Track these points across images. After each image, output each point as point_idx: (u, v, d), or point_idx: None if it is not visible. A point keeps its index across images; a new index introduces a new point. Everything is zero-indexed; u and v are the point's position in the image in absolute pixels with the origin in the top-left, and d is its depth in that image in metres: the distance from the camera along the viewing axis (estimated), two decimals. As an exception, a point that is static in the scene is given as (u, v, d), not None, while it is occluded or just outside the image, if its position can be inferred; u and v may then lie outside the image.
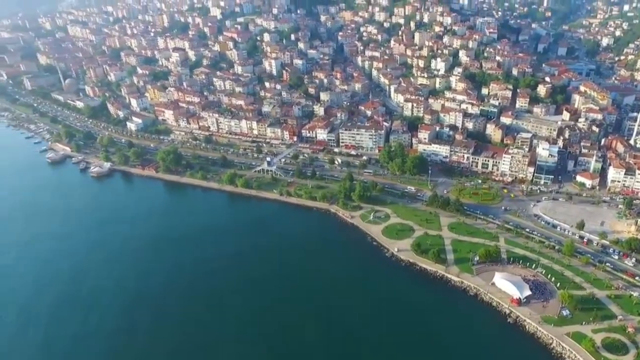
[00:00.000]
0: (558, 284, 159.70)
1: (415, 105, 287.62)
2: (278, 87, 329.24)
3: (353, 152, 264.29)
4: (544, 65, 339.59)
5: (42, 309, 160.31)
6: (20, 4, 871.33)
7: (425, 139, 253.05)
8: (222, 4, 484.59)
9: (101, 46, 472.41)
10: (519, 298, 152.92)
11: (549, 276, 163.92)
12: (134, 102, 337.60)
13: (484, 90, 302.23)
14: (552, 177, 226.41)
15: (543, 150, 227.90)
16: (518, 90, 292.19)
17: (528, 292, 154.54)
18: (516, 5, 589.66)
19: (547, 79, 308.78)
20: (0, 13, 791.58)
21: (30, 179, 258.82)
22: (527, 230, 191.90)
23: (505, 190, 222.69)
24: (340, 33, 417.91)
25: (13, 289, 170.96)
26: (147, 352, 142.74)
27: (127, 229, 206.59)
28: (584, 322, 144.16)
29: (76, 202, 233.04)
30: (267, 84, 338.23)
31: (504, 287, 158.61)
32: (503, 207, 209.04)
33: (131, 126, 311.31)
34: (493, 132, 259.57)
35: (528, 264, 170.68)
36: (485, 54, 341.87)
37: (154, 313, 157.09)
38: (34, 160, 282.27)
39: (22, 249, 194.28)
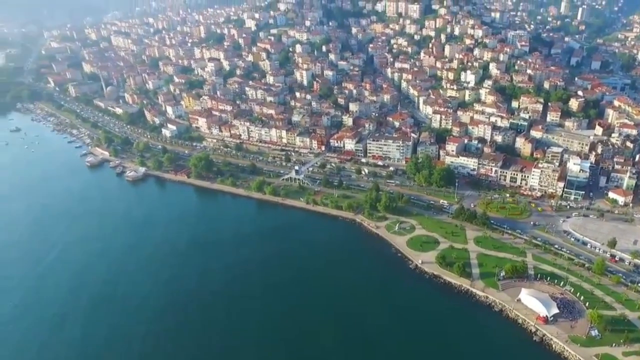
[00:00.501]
0: (587, 303, 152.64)
1: (443, 117, 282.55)
2: (308, 97, 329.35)
3: (380, 163, 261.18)
4: (576, 78, 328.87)
5: (79, 308, 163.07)
6: (69, 16, 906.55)
7: (453, 151, 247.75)
8: (257, 16, 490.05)
9: (141, 56, 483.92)
10: (546, 316, 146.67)
11: (578, 295, 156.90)
12: (169, 110, 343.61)
13: (514, 104, 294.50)
14: (583, 193, 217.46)
15: (574, 165, 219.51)
16: (549, 104, 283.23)
17: (555, 310, 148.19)
18: (549, 19, 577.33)
19: (580, 92, 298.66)
20: (51, 24, 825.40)
21: (71, 182, 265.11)
22: (556, 246, 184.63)
23: (534, 205, 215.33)
24: (371, 45, 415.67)
25: (53, 287, 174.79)
26: (170, 356, 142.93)
27: (158, 233, 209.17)
28: (614, 344, 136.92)
29: (111, 206, 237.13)
30: (297, 94, 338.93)
31: (531, 304, 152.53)
32: (531, 222, 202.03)
33: (166, 133, 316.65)
34: (522, 145, 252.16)
35: (556, 281, 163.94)
36: (516, 67, 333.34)
37: (179, 316, 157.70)
38: (75, 163, 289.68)
39: (62, 249, 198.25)
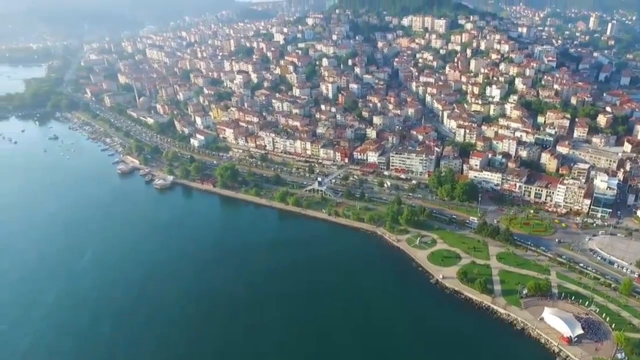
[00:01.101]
0: (613, 325, 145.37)
1: (467, 131, 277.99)
2: (333, 109, 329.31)
3: (403, 176, 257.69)
4: (605, 94, 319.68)
5: (106, 313, 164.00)
6: (108, 30, 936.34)
7: (476, 165, 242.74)
8: (285, 30, 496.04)
9: (173, 68, 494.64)
10: (570, 336, 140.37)
11: (604, 315, 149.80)
12: (198, 120, 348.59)
13: (540, 119, 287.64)
14: (610, 210, 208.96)
15: (601, 182, 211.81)
16: (576, 120, 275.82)
17: (580, 331, 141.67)
18: (577, 34, 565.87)
19: (608, 108, 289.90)
20: (91, 38, 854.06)
21: (102, 188, 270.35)
22: (581, 265, 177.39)
23: (559, 222, 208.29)
24: (396, 59, 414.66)
25: (85, 289, 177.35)
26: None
27: (183, 240, 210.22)
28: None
29: (138, 212, 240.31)
30: (322, 107, 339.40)
31: (554, 323, 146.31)
32: (556, 240, 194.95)
33: (194, 142, 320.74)
34: (548, 161, 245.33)
35: (581, 300, 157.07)
36: (543, 82, 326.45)
37: (201, 322, 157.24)
38: (107, 170, 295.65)
39: (93, 252, 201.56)
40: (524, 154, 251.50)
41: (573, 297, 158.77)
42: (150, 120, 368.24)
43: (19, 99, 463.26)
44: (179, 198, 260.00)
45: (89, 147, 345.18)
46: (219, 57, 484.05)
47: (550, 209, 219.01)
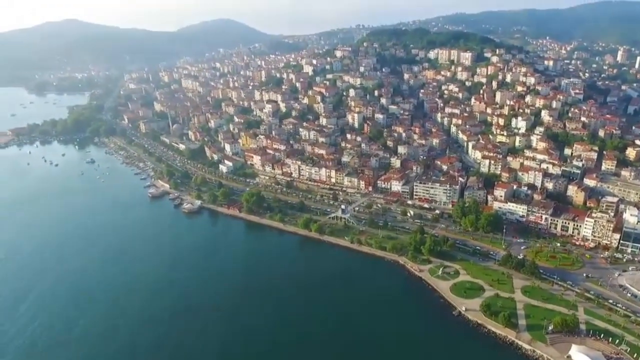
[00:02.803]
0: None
1: (492, 162, 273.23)
2: (358, 139, 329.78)
3: (426, 206, 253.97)
4: (634, 127, 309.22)
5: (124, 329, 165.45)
6: (147, 60, 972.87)
7: (501, 196, 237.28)
8: (314, 62, 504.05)
9: (206, 97, 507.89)
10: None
11: (635, 356, 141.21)
12: (227, 147, 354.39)
13: (567, 151, 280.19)
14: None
15: (631, 217, 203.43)
16: (604, 152, 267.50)
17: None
18: (605, 67, 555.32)
19: (638, 141, 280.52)
20: (131, 68, 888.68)
21: (132, 211, 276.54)
22: (611, 301, 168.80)
23: (588, 256, 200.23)
24: (422, 90, 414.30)
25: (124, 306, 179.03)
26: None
27: (207, 263, 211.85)
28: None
29: (166, 236, 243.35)
30: (348, 136, 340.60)
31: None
32: (584, 274, 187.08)
33: (223, 168, 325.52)
34: (575, 193, 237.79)
35: (611, 339, 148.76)
36: (570, 115, 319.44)
37: (219, 344, 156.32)
38: (139, 194, 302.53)
39: (127, 276, 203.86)
40: (550, 185, 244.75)
41: (602, 335, 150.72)
42: (181, 147, 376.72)
43: (61, 125, 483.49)
44: (206, 222, 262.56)
45: (123, 171, 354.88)
46: (250, 87, 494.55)
47: (577, 243, 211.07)
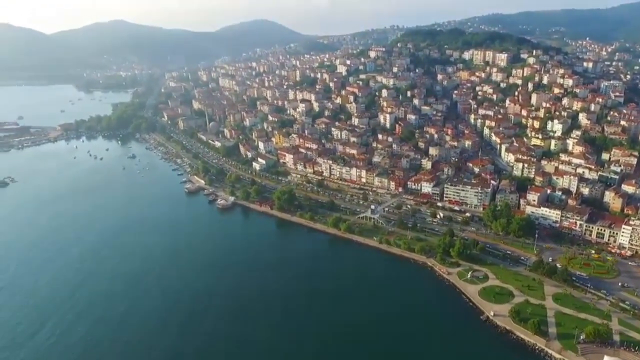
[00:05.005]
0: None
1: (526, 165, 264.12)
2: (390, 139, 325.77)
3: (456, 208, 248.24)
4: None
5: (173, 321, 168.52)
6: (187, 60, 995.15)
7: (534, 201, 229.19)
8: (348, 62, 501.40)
9: (242, 96, 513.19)
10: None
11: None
12: (261, 145, 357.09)
13: (605, 156, 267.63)
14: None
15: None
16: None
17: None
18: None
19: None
20: (172, 67, 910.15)
21: (169, 205, 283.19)
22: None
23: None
24: (455, 91, 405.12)
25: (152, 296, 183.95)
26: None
27: (237, 257, 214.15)
28: None
29: (201, 230, 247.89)
30: (380, 136, 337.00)
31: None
32: (619, 284, 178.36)
33: (256, 166, 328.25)
34: (612, 200, 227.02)
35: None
36: (609, 118, 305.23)
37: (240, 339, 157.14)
38: (175, 189, 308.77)
39: (160, 269, 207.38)
40: (585, 191, 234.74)
41: (637, 348, 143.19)
42: (217, 144, 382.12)
43: (106, 121, 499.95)
44: (238, 218, 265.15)
45: (161, 166, 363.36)
46: (285, 87, 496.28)
47: (613, 250, 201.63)
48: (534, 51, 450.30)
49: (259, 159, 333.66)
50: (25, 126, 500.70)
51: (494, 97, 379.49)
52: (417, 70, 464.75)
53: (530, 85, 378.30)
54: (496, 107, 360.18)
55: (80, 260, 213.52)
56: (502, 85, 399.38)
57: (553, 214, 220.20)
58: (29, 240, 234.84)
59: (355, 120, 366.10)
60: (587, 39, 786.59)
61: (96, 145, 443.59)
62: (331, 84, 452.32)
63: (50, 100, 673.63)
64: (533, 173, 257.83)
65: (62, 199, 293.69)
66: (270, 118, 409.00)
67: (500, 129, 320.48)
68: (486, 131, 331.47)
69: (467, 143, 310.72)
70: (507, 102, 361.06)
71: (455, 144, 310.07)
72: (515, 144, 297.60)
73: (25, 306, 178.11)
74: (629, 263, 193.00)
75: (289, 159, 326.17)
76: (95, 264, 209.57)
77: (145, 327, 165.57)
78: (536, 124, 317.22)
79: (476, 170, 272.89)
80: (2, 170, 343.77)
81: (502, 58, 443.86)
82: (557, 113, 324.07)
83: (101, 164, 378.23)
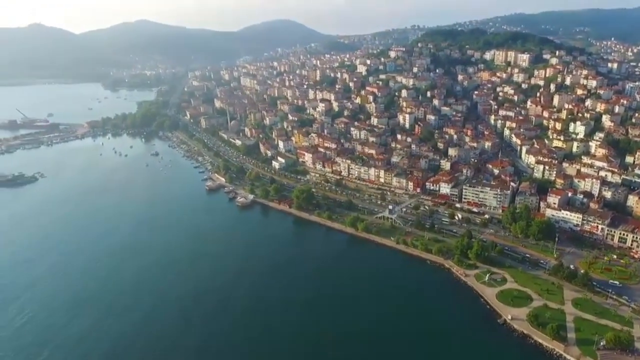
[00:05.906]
0: None
1: (547, 167, 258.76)
2: (409, 139, 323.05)
3: (475, 209, 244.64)
4: None
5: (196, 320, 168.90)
6: (210, 59, 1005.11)
7: (555, 204, 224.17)
8: (368, 62, 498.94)
9: (263, 95, 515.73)
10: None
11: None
12: (281, 144, 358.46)
13: (629, 159, 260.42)
14: None
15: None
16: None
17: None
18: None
19: None
20: (195, 66, 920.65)
21: (190, 202, 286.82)
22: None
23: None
24: (476, 92, 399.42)
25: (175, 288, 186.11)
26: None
27: (254, 254, 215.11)
28: None
29: (221, 226, 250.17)
30: (399, 136, 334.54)
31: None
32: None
33: (275, 165, 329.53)
34: (636, 204, 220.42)
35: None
36: (634, 120, 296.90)
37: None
38: (196, 186, 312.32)
39: (181, 264, 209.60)
40: (608, 194, 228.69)
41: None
42: (238, 142, 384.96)
43: (131, 119, 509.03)
44: (257, 216, 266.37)
45: (183, 164, 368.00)
46: (305, 86, 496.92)
47: (636, 256, 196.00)
48: (557, 51, 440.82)
49: (279, 158, 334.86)
50: (55, 123, 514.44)
51: (515, 98, 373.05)
52: (437, 71, 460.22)
53: (552, 86, 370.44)
54: (517, 108, 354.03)
55: (109, 254, 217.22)
56: (524, 86, 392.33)
57: (574, 218, 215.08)
58: (60, 234, 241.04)
59: (374, 120, 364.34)
60: (612, 39, 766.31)
61: (121, 142, 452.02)
62: (351, 84, 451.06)
63: (78, 98, 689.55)
64: (554, 175, 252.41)
65: (89, 194, 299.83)
66: (290, 117, 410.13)
67: (521, 130, 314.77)
68: (506, 132, 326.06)
69: (487, 144, 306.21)
70: (529, 103, 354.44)
71: (475, 145, 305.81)
72: (536, 145, 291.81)
73: (56, 300, 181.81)
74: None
75: (308, 158, 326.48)
76: (120, 259, 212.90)
77: (168, 322, 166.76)
78: (558, 126, 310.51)
79: (496, 171, 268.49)
80: (32, 166, 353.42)
81: (524, 58, 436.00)
82: (580, 115, 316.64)
83: (126, 160, 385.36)
